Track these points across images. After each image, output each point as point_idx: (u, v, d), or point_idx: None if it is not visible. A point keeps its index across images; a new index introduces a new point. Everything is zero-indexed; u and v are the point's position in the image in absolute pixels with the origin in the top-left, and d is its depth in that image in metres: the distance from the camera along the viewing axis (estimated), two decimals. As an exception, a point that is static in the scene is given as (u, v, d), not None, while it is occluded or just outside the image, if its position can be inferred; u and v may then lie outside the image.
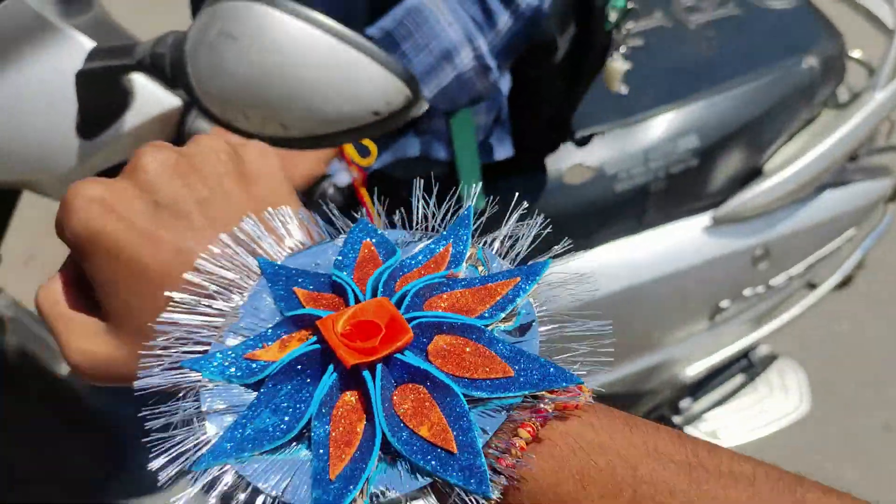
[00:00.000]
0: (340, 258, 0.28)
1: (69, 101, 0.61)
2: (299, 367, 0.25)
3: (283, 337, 0.26)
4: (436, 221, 0.30)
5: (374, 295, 0.27)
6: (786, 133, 1.13)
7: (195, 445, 0.24)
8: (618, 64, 0.96)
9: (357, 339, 0.25)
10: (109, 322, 0.30)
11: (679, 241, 1.11)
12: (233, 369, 0.25)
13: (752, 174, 1.12)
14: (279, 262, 0.29)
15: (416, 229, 0.30)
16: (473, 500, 0.22)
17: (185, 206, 0.29)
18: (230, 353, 0.26)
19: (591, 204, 1.05)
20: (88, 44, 0.62)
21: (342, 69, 0.48)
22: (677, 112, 1.06)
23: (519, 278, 0.27)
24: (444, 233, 0.29)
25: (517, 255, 0.29)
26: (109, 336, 0.29)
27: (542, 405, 0.24)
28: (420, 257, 0.28)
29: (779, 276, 1.20)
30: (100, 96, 0.61)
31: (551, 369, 0.24)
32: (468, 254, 0.28)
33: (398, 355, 0.25)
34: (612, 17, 0.86)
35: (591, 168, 1.04)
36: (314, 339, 0.26)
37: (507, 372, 0.24)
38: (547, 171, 1.04)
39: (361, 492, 0.23)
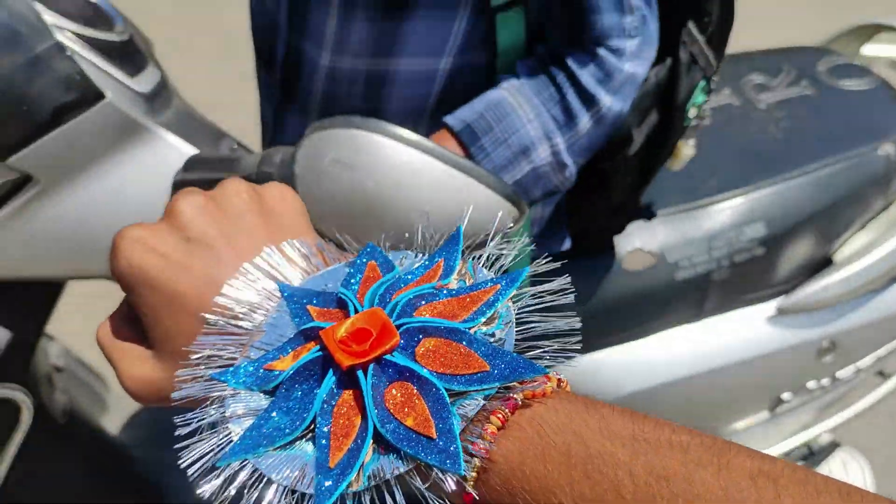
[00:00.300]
0: (348, 278, 0.33)
1: (160, 199, 0.67)
2: (307, 372, 0.30)
3: (297, 348, 0.31)
4: (434, 242, 0.35)
5: (371, 306, 0.31)
6: (858, 222, 1.14)
7: (219, 445, 0.29)
8: (685, 148, 0.98)
9: (353, 344, 0.29)
10: (154, 348, 0.35)
11: (740, 330, 1.12)
12: (254, 379, 0.31)
13: (822, 264, 1.13)
14: (295, 285, 0.34)
15: (418, 249, 0.35)
16: (449, 478, 0.27)
17: (213, 240, 0.35)
18: (252, 365, 0.31)
19: (650, 291, 1.07)
20: (178, 143, 0.67)
21: (455, 194, 0.52)
22: (744, 198, 1.08)
23: (499, 286, 0.32)
24: (438, 250, 0.34)
25: (501, 266, 0.34)
26: (155, 360, 0.35)
27: (512, 395, 0.28)
28: (417, 271, 0.33)
29: (846, 368, 1.20)
30: None
31: (521, 363, 0.29)
32: (458, 267, 0.33)
33: (388, 357, 0.30)
34: (692, 112, 0.89)
35: (652, 254, 1.07)
36: (319, 347, 0.31)
37: (483, 367, 0.29)
38: (606, 256, 1.06)
39: (357, 476, 0.27)
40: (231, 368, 0.31)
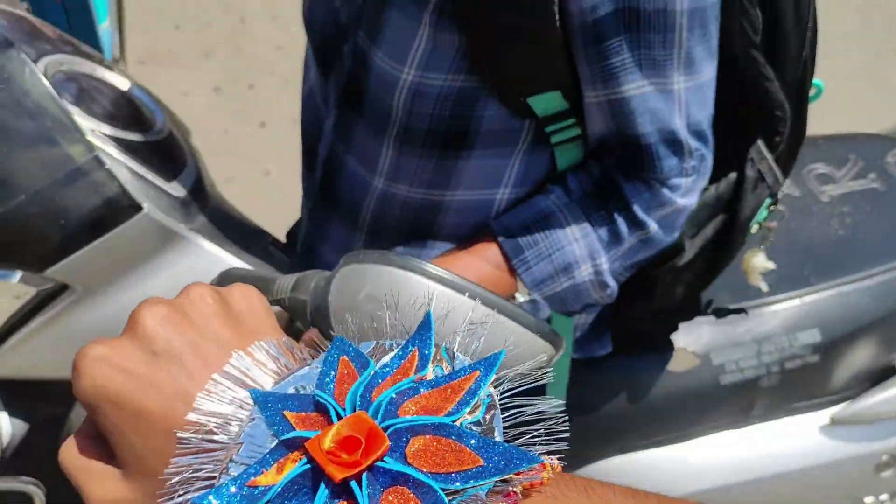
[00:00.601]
0: (322, 378, 0.33)
1: None
2: (296, 486, 0.30)
3: (280, 460, 0.31)
4: (402, 327, 0.36)
5: (354, 409, 0.32)
6: (925, 329, 1.13)
7: None
8: (759, 260, 1.00)
9: (342, 454, 0.30)
10: (124, 468, 0.35)
11: (790, 439, 1.11)
12: (238, 498, 0.30)
13: (883, 374, 1.12)
14: (268, 390, 0.34)
15: (387, 337, 0.36)
16: None
17: (179, 351, 0.35)
18: (234, 483, 0.31)
19: (692, 394, 1.07)
20: (213, 249, 0.72)
21: (492, 334, 0.55)
22: (799, 301, 1.08)
23: (479, 371, 0.32)
24: (410, 339, 0.35)
25: (475, 348, 0.34)
26: (125, 481, 0.35)
27: (510, 488, 0.29)
28: (392, 364, 0.34)
29: (908, 483, 1.18)
30: None
31: (515, 453, 0.29)
32: (433, 354, 0.34)
33: (380, 463, 0.30)
34: (755, 229, 0.91)
35: (696, 355, 1.07)
36: (305, 458, 0.31)
37: (476, 462, 0.29)
38: (649, 354, 1.07)
39: None
40: (213, 490, 0.31)
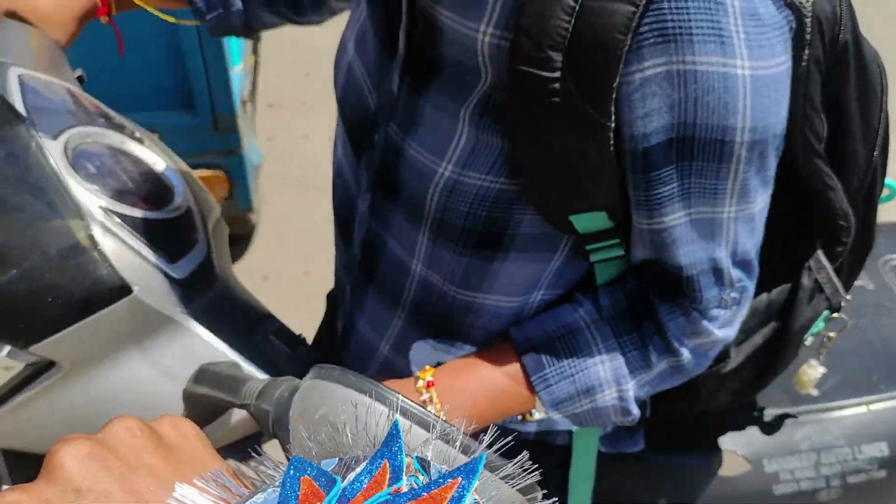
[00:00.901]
0: (283, 502, 0.29)
1: (178, 392, 0.69)
2: None
3: None
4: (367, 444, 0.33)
5: None
6: None
7: None
8: (812, 370, 0.91)
9: None
10: None
11: (854, 562, 0.99)
12: None
13: (965, 496, 0.98)
14: None
15: (351, 450, 0.32)
16: None
17: (106, 486, 0.32)
18: None
19: (742, 500, 0.97)
20: (205, 335, 0.70)
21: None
22: (866, 409, 0.97)
23: (460, 479, 0.29)
24: (379, 451, 0.31)
25: (453, 457, 0.32)
26: None
27: None
28: (362, 479, 0.30)
29: None
30: (207, 404, 0.68)
31: None
32: (405, 464, 0.30)
33: None
34: (809, 341, 0.83)
35: (747, 459, 0.97)
36: None
37: None
38: (692, 454, 0.98)
39: None
40: None
